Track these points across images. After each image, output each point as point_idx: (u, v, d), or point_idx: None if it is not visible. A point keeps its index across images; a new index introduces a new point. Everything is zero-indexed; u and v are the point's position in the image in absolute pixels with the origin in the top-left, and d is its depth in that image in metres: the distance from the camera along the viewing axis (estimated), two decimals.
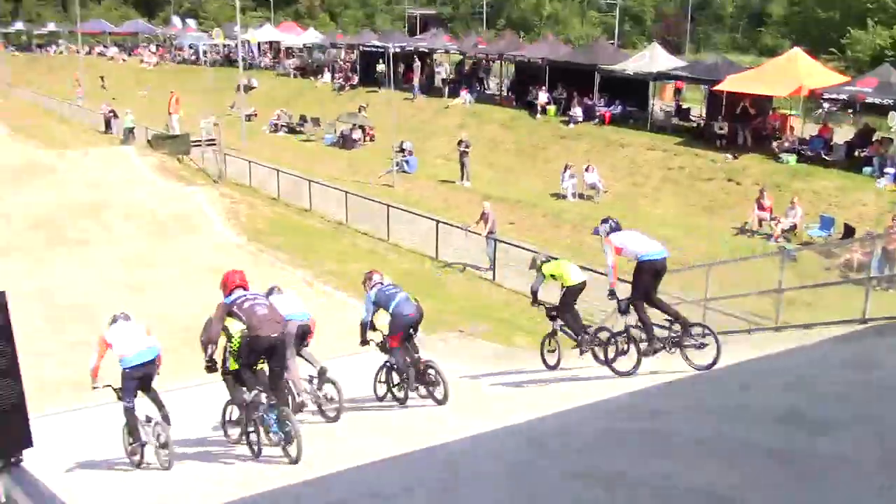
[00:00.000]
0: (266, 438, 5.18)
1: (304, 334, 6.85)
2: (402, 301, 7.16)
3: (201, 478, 5.14)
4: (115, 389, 6.09)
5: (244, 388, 5.31)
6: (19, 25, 61.92)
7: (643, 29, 54.03)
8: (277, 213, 19.23)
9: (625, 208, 17.79)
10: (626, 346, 6.27)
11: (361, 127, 27.20)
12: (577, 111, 22.39)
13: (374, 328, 7.19)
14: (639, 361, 6.04)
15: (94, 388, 6.10)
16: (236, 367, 5.36)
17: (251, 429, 5.26)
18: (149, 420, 6.05)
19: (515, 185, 20.66)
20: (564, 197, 18.78)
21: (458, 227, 16.01)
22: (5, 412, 2.21)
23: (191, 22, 61.28)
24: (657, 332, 6.04)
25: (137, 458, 6.03)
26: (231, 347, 5.40)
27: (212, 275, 11.57)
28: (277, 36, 46.32)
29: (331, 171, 23.52)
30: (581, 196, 18.81)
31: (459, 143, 21.40)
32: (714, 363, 5.55)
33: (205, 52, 46.60)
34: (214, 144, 23.40)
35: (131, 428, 5.96)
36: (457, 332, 11.69)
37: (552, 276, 7.26)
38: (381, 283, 7.49)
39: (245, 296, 5.46)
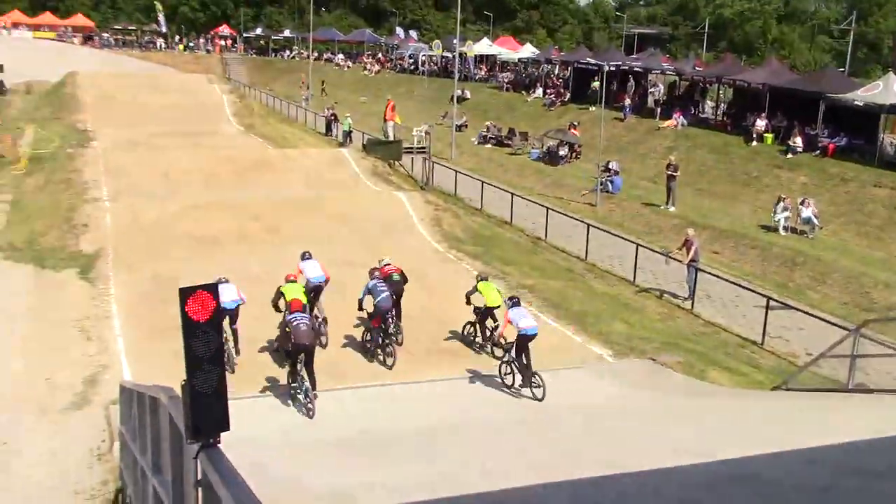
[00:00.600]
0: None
1: (318, 290, 12.71)
2: (385, 298, 11.96)
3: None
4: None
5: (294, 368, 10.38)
6: (259, 31, 74.66)
7: (879, 57, 51.35)
8: (478, 223, 20.98)
9: (840, 248, 17.57)
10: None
11: (569, 144, 28.84)
12: (797, 141, 22.43)
13: (360, 308, 12.27)
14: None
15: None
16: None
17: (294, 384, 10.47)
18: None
19: (723, 214, 20.85)
20: (775, 230, 18.84)
21: (658, 252, 16.64)
22: (208, 396, 2.43)
23: (413, 33, 68.79)
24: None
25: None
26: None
27: (411, 278, 14.14)
28: (494, 50, 50.35)
29: (534, 186, 25.58)
30: (794, 230, 18.81)
31: (668, 165, 21.99)
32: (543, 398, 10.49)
33: (423, 63, 52.46)
34: (425, 152, 26.26)
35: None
36: (648, 361, 12.17)
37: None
38: (379, 280, 12.33)
39: (296, 317, 10.56)
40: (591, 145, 27.61)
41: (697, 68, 31.87)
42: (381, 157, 27.16)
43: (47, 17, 71.00)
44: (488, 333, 12.49)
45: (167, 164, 23.14)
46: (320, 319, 12.38)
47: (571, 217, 20.14)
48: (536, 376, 10.80)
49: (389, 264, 13.26)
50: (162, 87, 39.83)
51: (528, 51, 47.08)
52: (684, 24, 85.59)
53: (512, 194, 21.99)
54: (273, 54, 69.44)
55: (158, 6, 73.96)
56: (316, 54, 64.04)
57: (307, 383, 10.18)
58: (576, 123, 30.97)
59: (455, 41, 37.60)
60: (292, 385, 10.37)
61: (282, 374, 10.92)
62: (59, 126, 31.84)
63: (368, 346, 12.13)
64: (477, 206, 22.99)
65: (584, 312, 14.45)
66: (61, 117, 33.76)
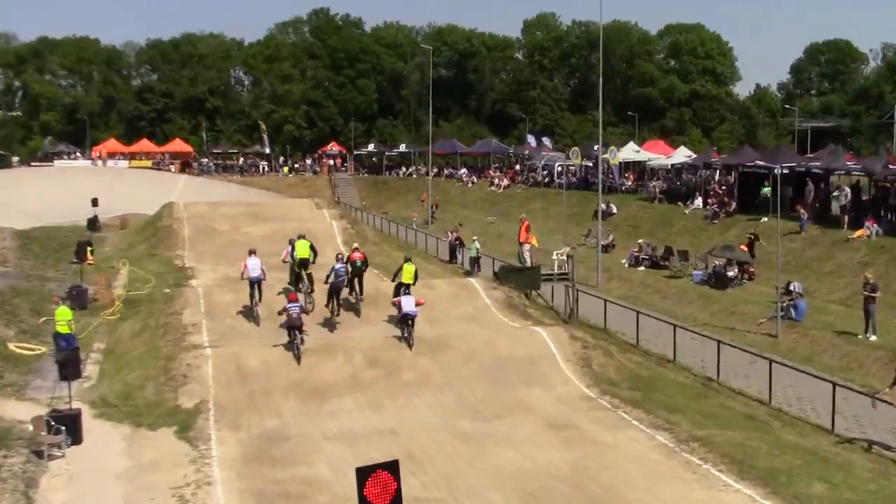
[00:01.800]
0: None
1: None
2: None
3: None
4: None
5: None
6: (371, 147, 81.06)
7: None
8: (635, 362, 21.24)
9: None
10: None
11: (739, 263, 28.79)
12: None
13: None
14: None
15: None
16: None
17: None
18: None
19: None
20: None
21: (862, 392, 16.38)
22: None
23: (546, 140, 72.01)
24: None
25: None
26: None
27: (554, 432, 14.48)
28: (642, 155, 51.74)
29: (700, 315, 25.62)
30: None
31: (864, 285, 21.71)
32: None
33: (559, 174, 54.66)
34: (567, 279, 27.13)
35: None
36: None
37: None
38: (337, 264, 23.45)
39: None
40: (765, 263, 27.39)
41: (891, 166, 31.15)
42: (517, 286, 28.16)
43: (144, 145, 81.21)
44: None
45: (271, 303, 25.09)
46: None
47: (748, 351, 19.92)
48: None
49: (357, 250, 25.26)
50: (265, 215, 43.80)
51: (681, 154, 47.98)
52: (867, 114, 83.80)
53: (674, 326, 22.46)
54: (387, 172, 75.08)
55: (263, 126, 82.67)
56: (436, 170, 68.63)
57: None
58: (754, 236, 30.77)
59: (596, 147, 39.02)
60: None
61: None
62: (156, 263, 35.69)
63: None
64: (632, 340, 23.20)
65: (773, 470, 14.13)
66: (158, 253, 37.85)
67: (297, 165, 78.10)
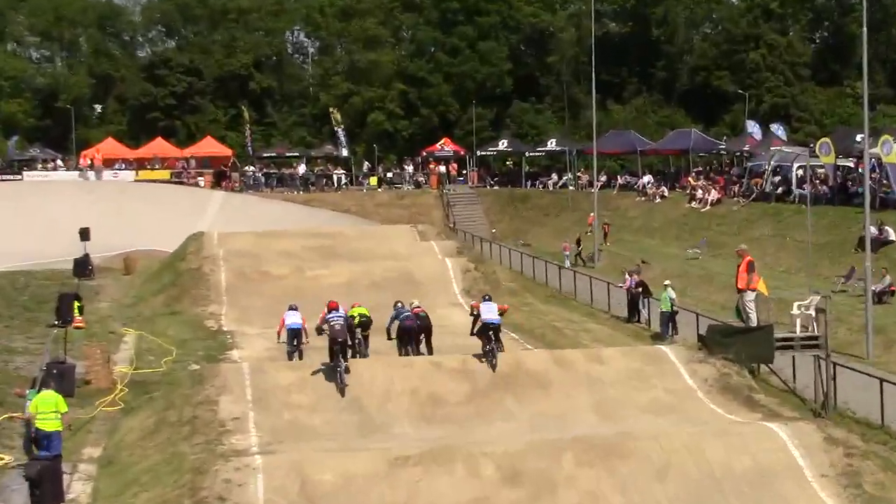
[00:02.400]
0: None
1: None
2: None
3: None
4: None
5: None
6: (503, 143, 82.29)
7: None
8: None
9: None
10: None
11: None
12: None
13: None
14: None
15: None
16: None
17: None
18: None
19: None
20: None
21: None
22: None
23: (778, 129, 70.42)
24: None
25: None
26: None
27: None
28: None
29: None
30: None
31: None
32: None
33: (801, 181, 53.24)
34: (816, 345, 26.89)
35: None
36: None
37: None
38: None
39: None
40: None
41: None
42: (736, 357, 28.15)
43: (158, 147, 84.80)
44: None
45: (356, 385, 25.96)
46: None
47: None
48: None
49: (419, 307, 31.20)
50: (343, 252, 45.31)
51: None
52: None
53: None
54: (529, 183, 76.66)
55: (336, 115, 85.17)
56: (603, 178, 68.82)
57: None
58: None
59: (860, 138, 37.90)
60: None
61: None
62: (178, 325, 37.28)
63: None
64: None
65: None
66: (180, 310, 39.56)
67: (390, 175, 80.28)
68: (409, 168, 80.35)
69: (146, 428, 25.53)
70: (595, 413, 25.04)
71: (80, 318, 36.10)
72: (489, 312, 27.79)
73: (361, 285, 40.16)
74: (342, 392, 26.09)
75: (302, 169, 79.91)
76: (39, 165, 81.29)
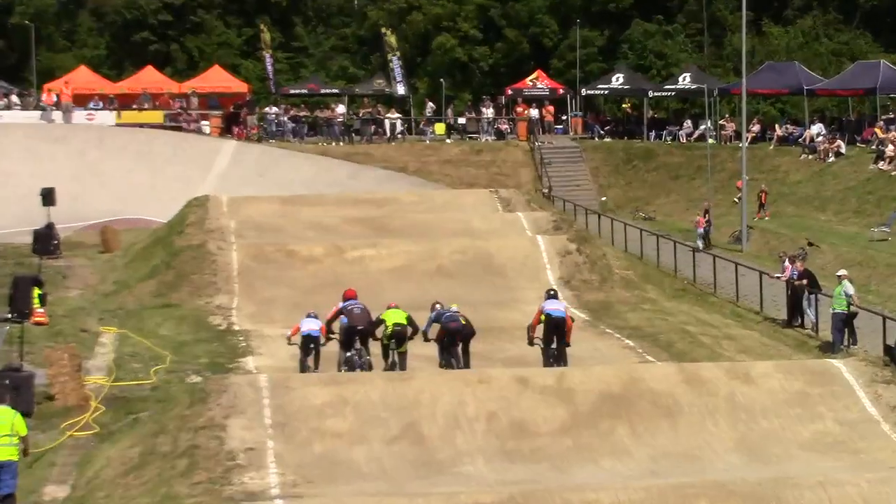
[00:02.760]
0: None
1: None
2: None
3: None
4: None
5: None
6: (619, 79, 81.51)
7: None
8: None
9: None
10: None
11: None
12: None
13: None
14: None
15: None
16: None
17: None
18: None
19: None
20: None
21: None
22: None
23: None
24: None
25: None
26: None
27: None
28: None
29: None
30: None
31: None
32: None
33: None
34: None
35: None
36: None
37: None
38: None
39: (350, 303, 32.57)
40: None
41: None
42: None
43: (147, 79, 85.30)
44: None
45: (412, 407, 26.11)
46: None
47: None
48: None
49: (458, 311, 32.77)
50: (397, 225, 45.56)
51: None
52: None
53: None
54: (652, 135, 76.75)
55: (390, 39, 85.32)
56: (756, 128, 68.44)
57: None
58: None
59: None
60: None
61: None
62: (173, 322, 37.73)
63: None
64: None
65: None
66: (176, 302, 40.17)
67: (462, 120, 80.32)
68: (489, 112, 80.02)
69: (129, 460, 25.62)
70: (739, 451, 24.88)
71: (42, 310, 36.17)
72: (555, 306, 31.62)
73: (422, 271, 40.52)
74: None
75: (342, 111, 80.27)
76: None
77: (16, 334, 31.43)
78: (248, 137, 76.03)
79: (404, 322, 31.11)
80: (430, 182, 67.53)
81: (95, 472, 25.68)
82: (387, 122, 78.93)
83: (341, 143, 75.78)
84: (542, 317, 31.27)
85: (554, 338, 30.94)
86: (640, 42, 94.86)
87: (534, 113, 77.89)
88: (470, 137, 77.56)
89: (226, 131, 77.14)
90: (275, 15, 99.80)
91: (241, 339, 35.86)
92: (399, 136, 77.96)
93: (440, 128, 78.83)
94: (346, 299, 31.06)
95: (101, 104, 79.67)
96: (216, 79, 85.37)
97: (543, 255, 42.49)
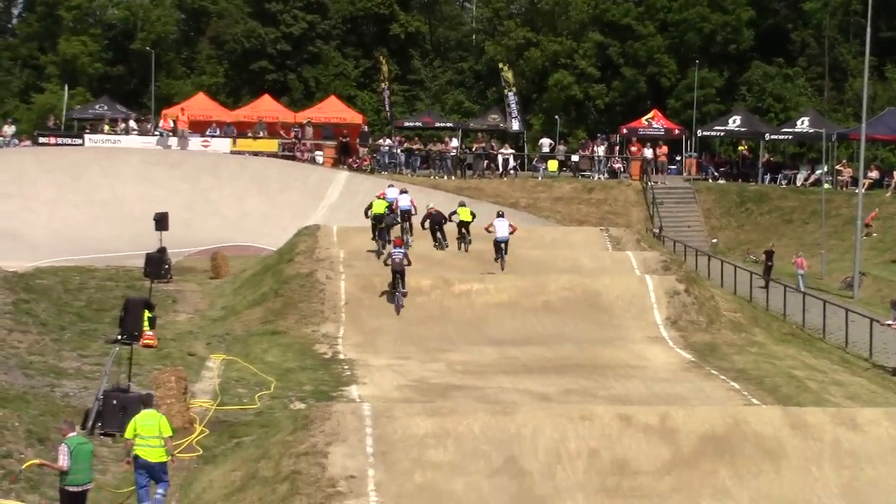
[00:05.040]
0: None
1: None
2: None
3: None
4: None
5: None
6: (735, 122, 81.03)
7: None
8: None
9: None
10: None
11: None
12: None
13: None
14: None
15: None
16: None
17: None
18: None
19: None
20: None
21: None
22: None
23: None
24: None
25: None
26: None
27: None
28: None
29: None
30: None
31: None
32: None
33: None
34: None
35: None
36: None
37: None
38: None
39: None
40: None
41: None
42: None
43: (264, 107, 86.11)
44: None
45: (513, 441, 26.15)
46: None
47: None
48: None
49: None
50: (508, 261, 45.61)
51: None
52: None
53: None
54: (769, 176, 76.12)
55: (507, 74, 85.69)
56: (873, 175, 67.63)
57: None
58: None
59: None
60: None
61: None
62: (279, 349, 38.20)
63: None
64: None
65: None
66: (284, 329, 40.58)
67: (575, 158, 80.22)
68: (603, 150, 79.96)
69: (231, 484, 26.05)
70: (844, 498, 24.77)
71: (151, 333, 36.86)
72: (502, 230, 44.73)
73: (527, 306, 40.68)
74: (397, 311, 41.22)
75: (455, 145, 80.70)
76: (106, 127, 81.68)
77: (125, 356, 31.51)
78: (361, 168, 76.75)
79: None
80: (540, 218, 67.72)
81: (198, 493, 26.14)
82: (499, 158, 79.39)
83: (453, 177, 76.33)
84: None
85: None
86: (759, 84, 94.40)
87: (648, 152, 77.55)
88: (582, 175, 77.57)
89: (339, 161, 77.84)
90: (393, 47, 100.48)
91: (345, 367, 36.19)
92: (511, 171, 78.39)
93: (553, 165, 78.82)
94: (395, 247, 42.57)
95: (217, 131, 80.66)
96: (332, 109, 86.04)
97: (651, 294, 42.45)
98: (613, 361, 36.89)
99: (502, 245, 44.97)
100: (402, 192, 50.60)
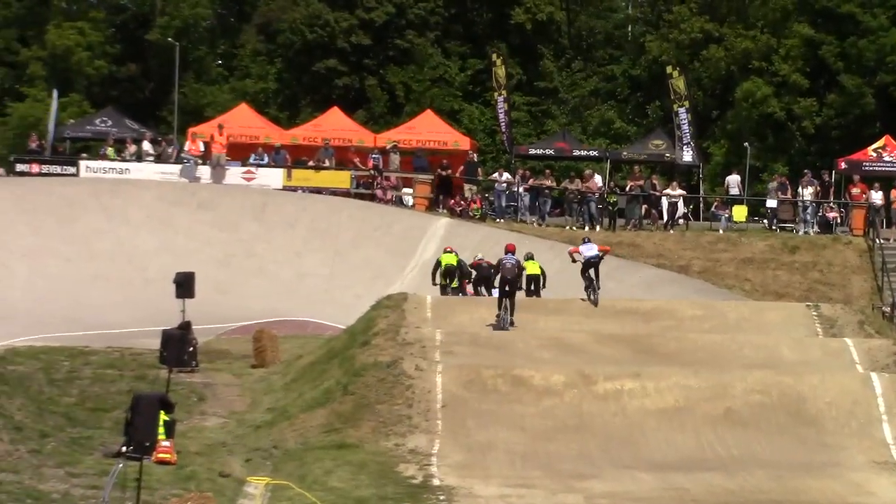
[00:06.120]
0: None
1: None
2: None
3: None
4: None
5: None
6: None
7: None
8: None
9: None
10: None
11: None
12: None
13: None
14: None
15: None
16: None
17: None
18: None
19: None
20: None
21: None
22: None
23: None
24: None
25: None
26: None
27: None
28: None
29: None
30: None
31: None
32: None
33: None
34: None
35: None
36: None
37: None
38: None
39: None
40: None
41: None
42: None
43: (332, 122, 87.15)
44: None
45: None
46: None
47: None
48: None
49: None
50: (670, 349, 45.64)
51: None
52: None
53: None
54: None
55: (678, 80, 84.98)
56: None
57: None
58: None
59: None
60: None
61: None
62: (347, 471, 37.99)
63: None
64: None
65: None
66: (356, 441, 40.58)
67: (772, 204, 79.96)
68: (811, 192, 79.73)
69: None
70: None
71: (168, 444, 36.88)
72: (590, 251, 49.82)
73: (702, 415, 40.61)
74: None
75: (600, 183, 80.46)
76: (110, 150, 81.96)
77: (132, 475, 31.55)
78: (468, 212, 77.07)
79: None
80: (721, 289, 67.44)
81: None
82: (664, 201, 79.38)
83: (598, 228, 76.13)
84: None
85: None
86: None
87: (876, 197, 77.13)
88: (782, 228, 77.46)
89: (436, 203, 78.22)
90: (514, 42, 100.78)
91: (441, 499, 35.92)
92: (680, 221, 78.53)
93: (740, 212, 78.72)
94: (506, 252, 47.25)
95: (264, 158, 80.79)
96: (427, 129, 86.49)
97: (879, 401, 42.11)
98: (825, 498, 36.13)
99: (593, 268, 51.87)
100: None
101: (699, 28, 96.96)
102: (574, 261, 52.06)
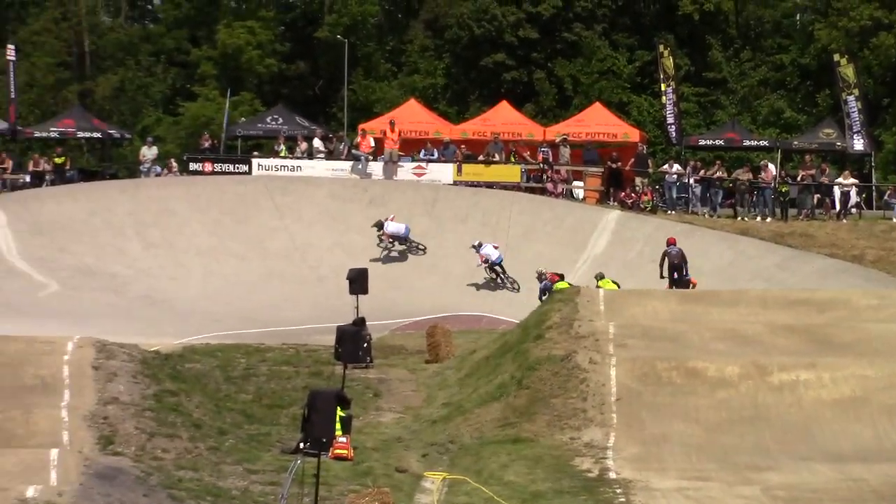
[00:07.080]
0: None
1: None
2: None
3: None
4: None
5: None
6: None
7: None
8: None
9: None
10: None
11: None
12: None
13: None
14: None
15: None
16: None
17: None
18: None
19: None
20: None
21: None
22: None
23: None
24: None
25: None
26: None
27: None
28: None
29: None
30: None
31: None
32: None
33: None
34: None
35: None
36: None
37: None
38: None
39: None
40: None
41: None
42: None
43: (501, 116, 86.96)
44: None
45: None
46: None
47: None
48: None
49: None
50: (846, 340, 44.84)
51: None
52: None
53: None
54: None
55: (847, 68, 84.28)
56: None
57: None
58: None
59: None
60: None
61: None
62: (523, 465, 37.71)
63: None
64: None
65: None
66: (531, 435, 40.59)
67: None
68: None
69: None
70: None
71: (345, 439, 37.29)
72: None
73: (881, 406, 40.09)
74: None
75: (773, 173, 79.94)
76: (282, 147, 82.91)
77: (310, 472, 31.69)
78: (637, 206, 76.96)
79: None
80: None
81: None
82: (836, 191, 78.71)
83: (770, 219, 75.96)
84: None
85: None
86: None
87: None
88: None
89: (607, 196, 78.15)
90: (682, 33, 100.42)
91: (618, 492, 35.85)
92: (853, 210, 77.74)
93: None
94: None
95: (434, 153, 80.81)
96: (597, 121, 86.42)
97: None
98: None
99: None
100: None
101: (868, 15, 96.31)
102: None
